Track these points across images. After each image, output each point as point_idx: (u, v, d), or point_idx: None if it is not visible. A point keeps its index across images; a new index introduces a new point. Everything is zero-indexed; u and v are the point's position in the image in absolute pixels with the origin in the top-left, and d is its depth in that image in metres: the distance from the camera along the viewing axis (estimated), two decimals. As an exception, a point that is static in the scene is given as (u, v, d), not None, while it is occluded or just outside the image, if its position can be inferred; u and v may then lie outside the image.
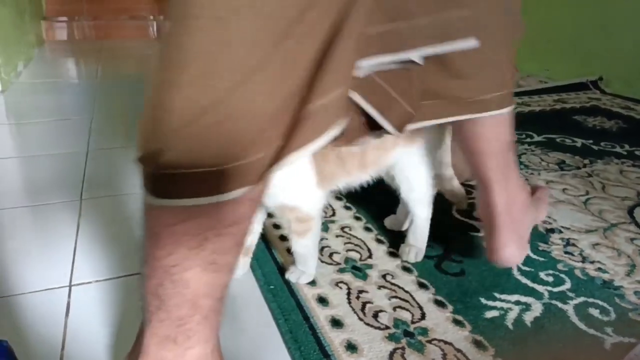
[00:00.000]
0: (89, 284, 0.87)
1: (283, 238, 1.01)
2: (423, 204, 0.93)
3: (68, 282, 0.87)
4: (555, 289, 0.87)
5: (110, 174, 1.33)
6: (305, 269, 0.87)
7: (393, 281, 0.88)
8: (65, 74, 2.70)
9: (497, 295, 0.85)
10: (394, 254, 0.97)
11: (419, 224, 0.94)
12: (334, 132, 0.51)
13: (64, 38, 3.62)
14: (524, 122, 1.78)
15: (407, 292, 0.85)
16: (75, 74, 2.73)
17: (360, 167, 0.85)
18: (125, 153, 1.48)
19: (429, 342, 0.74)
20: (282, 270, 0.90)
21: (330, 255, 0.96)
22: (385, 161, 0.88)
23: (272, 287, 0.86)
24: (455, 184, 1.08)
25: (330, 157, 0.80)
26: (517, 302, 0.83)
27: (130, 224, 1.08)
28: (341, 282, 0.88)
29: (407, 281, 0.88)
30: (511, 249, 0.82)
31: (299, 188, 0.79)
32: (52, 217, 1.09)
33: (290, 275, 0.87)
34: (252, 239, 0.89)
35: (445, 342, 0.74)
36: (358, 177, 0.87)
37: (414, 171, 0.89)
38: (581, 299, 0.85)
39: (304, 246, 0.85)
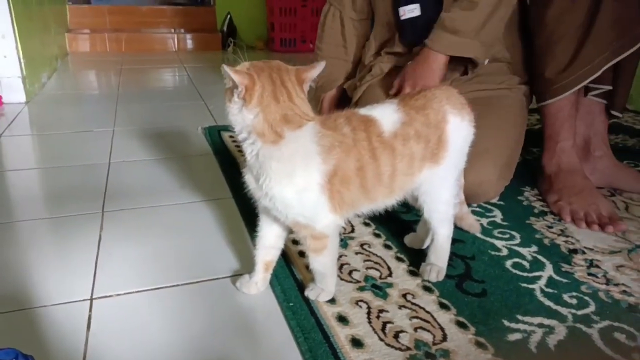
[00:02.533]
0: (111, 297, 0.88)
1: (302, 254, 1.00)
2: (445, 223, 0.92)
3: (89, 295, 0.88)
4: (579, 312, 0.86)
5: (132, 186, 1.34)
6: (324, 287, 0.86)
7: (414, 301, 0.87)
8: (88, 86, 2.75)
9: (519, 317, 0.83)
10: (414, 272, 0.96)
11: (440, 243, 0.93)
12: None
13: (87, 50, 3.69)
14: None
15: (428, 312, 0.84)
16: (97, 85, 2.78)
17: (387, 194, 0.85)
18: (146, 166, 1.50)
19: (451, 364, 0.73)
20: (301, 286, 0.90)
21: (350, 272, 0.95)
22: (412, 185, 0.88)
23: (291, 304, 0.85)
24: (465, 209, 1.08)
25: (352, 186, 0.80)
26: (541, 325, 0.82)
27: (152, 237, 1.08)
28: (361, 300, 0.87)
29: (428, 301, 0.87)
30: None
31: (311, 210, 0.79)
32: (74, 229, 1.11)
33: (310, 293, 0.87)
34: (274, 254, 0.89)
35: (468, 365, 0.73)
36: (383, 203, 0.87)
37: (437, 191, 0.89)
38: (606, 323, 0.83)
39: (321, 264, 0.84)
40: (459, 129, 0.87)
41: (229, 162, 1.51)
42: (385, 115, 0.83)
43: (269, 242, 0.88)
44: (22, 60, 2.15)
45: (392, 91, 1.22)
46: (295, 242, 1.04)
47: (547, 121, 1.33)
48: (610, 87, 1.33)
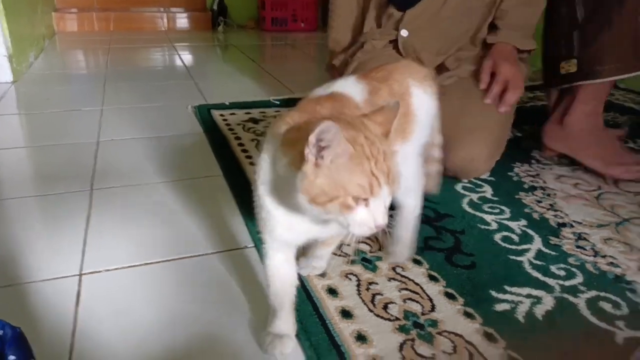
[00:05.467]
0: (99, 273, 0.88)
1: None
2: (411, 193, 0.88)
3: (78, 270, 0.88)
4: (567, 283, 0.86)
5: (121, 165, 1.33)
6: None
7: (403, 273, 0.88)
8: (76, 65, 2.71)
9: (508, 288, 0.84)
10: (404, 246, 0.96)
11: (405, 215, 0.89)
12: None
13: (75, 29, 3.63)
14: (537, 116, 1.76)
15: (417, 284, 0.85)
16: (85, 65, 2.74)
17: None
18: (136, 144, 1.49)
19: (439, 333, 0.73)
20: (291, 261, 0.90)
21: (340, 246, 0.95)
22: None
23: (281, 277, 0.85)
24: (434, 168, 1.00)
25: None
26: (529, 296, 0.83)
27: (141, 214, 1.08)
28: (351, 273, 0.87)
29: (418, 274, 0.88)
30: None
31: None
32: (63, 207, 1.10)
33: (301, 270, 0.86)
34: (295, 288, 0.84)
35: (456, 334, 0.73)
36: None
37: (404, 165, 0.79)
38: (593, 293, 0.84)
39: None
40: (422, 101, 0.83)
41: (219, 140, 1.50)
42: (347, 87, 0.76)
43: (289, 276, 0.74)
44: (9, 39, 2.11)
45: (482, 85, 1.26)
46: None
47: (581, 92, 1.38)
48: None
